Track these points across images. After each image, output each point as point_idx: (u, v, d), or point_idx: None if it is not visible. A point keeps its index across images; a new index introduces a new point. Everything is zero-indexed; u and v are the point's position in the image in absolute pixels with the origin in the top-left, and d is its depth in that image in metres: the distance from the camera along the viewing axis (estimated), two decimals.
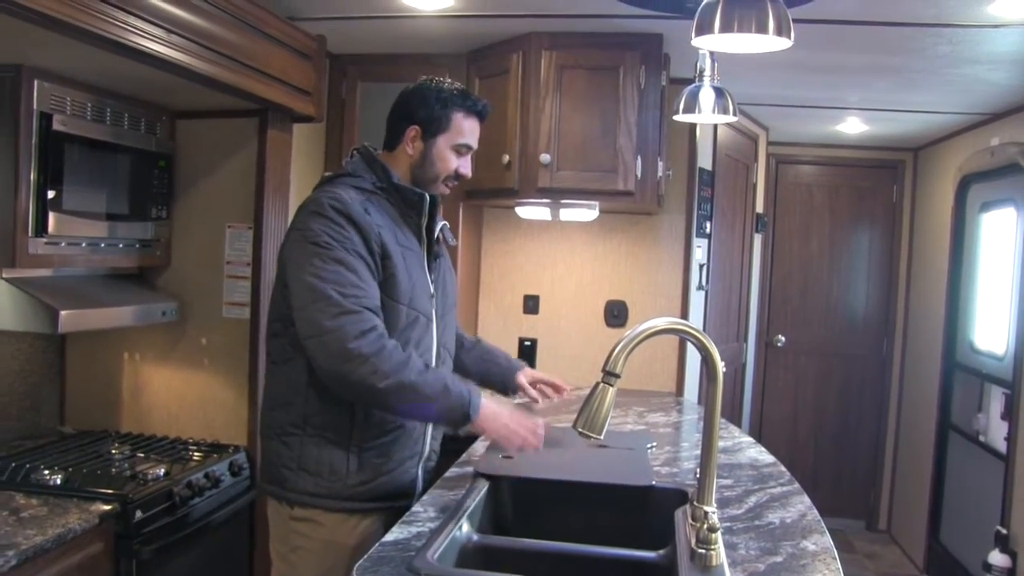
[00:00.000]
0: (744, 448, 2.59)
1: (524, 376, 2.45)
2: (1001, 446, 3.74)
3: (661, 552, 1.73)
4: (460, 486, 2.03)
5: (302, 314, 1.84)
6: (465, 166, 2.10)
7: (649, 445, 2.56)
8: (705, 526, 1.56)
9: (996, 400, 3.91)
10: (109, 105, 2.48)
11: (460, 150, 2.08)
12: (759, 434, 5.36)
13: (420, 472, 2.08)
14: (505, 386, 2.44)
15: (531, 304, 3.72)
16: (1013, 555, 3.50)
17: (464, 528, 1.77)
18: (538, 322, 3.72)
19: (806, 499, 2.06)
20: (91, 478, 2.28)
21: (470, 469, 2.18)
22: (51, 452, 2.51)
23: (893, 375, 5.27)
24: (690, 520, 1.72)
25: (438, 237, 2.13)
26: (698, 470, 1.84)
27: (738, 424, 4.66)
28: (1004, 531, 3.56)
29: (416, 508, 1.87)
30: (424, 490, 2.06)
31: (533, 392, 2.43)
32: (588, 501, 2.13)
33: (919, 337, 5.00)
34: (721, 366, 1.66)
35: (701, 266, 3.75)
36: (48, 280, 2.41)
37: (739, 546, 1.70)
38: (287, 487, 1.95)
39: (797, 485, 2.18)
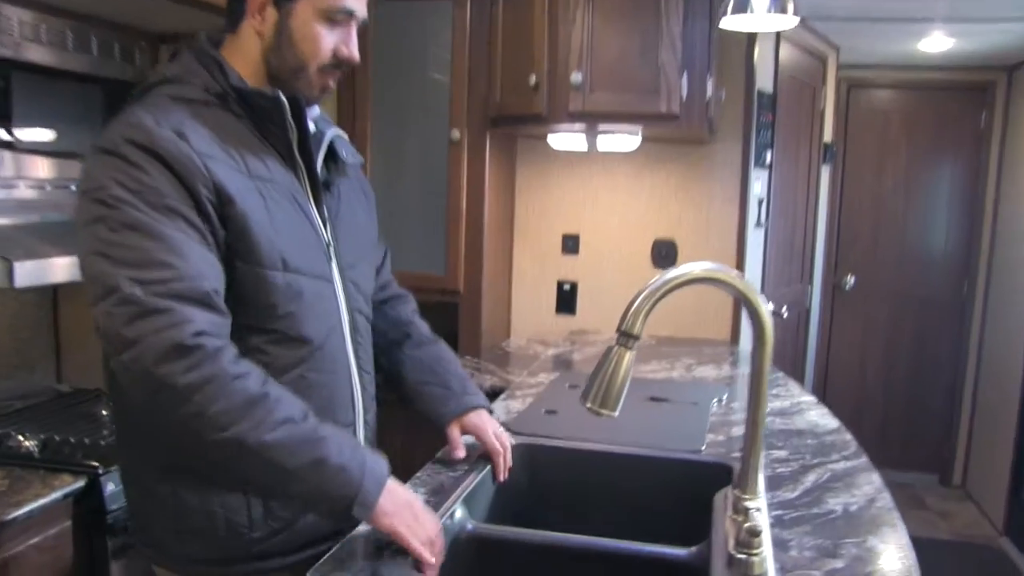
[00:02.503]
0: (804, 410, 2.24)
1: (472, 422, 1.69)
2: None
3: (693, 549, 1.42)
4: (466, 461, 1.73)
5: (94, 315, 1.20)
6: (348, 44, 1.40)
7: (717, 398, 2.26)
8: (746, 526, 1.25)
9: None
10: (72, 28, 2.18)
11: (335, 17, 1.37)
12: (824, 383, 4.99)
13: None
14: (439, 419, 1.69)
15: (570, 244, 3.38)
16: None
17: (457, 515, 1.48)
18: (578, 264, 3.39)
19: (876, 478, 1.72)
20: (66, 446, 2.03)
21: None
22: (38, 414, 2.30)
23: (974, 319, 4.82)
24: (731, 512, 1.40)
25: (332, 155, 1.51)
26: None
27: (801, 373, 4.30)
28: None
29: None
30: None
31: (460, 450, 1.70)
32: (619, 473, 1.82)
33: (1006, 279, 4.53)
34: (770, 326, 1.33)
35: (760, 201, 3.36)
36: (6, 229, 2.14)
37: (790, 544, 1.38)
38: (168, 553, 1.40)
39: (865, 458, 1.84)
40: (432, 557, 1.25)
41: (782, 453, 1.85)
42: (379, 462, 1.30)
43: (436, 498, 1.51)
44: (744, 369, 2.81)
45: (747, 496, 1.37)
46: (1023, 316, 4.14)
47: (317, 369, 1.40)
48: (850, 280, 4.96)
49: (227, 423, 1.17)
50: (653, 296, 1.29)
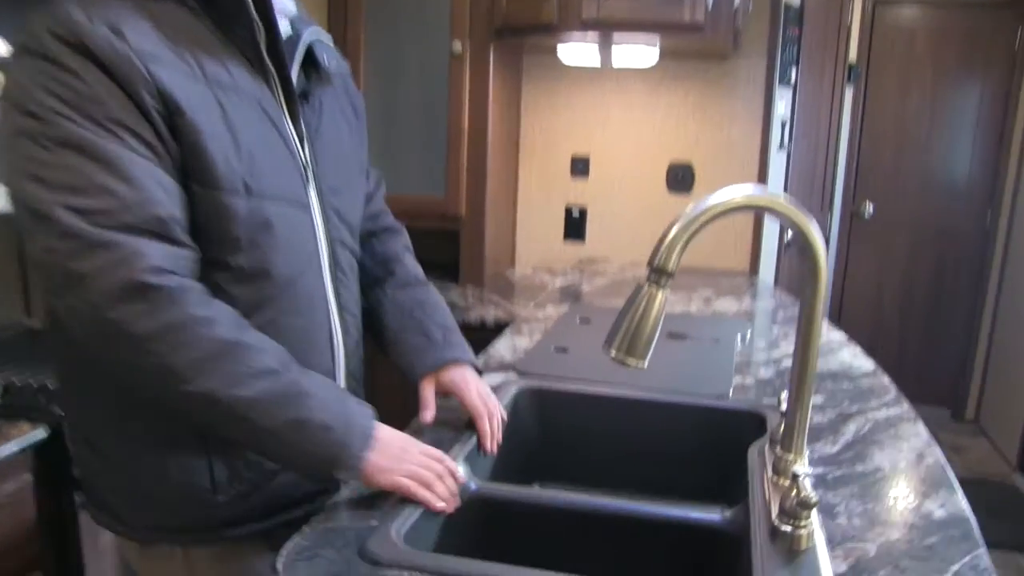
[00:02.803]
0: (835, 349, 2.07)
1: (450, 379, 1.43)
2: None
3: (728, 514, 1.26)
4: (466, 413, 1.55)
5: (29, 249, 1.02)
6: None
7: (740, 335, 2.10)
8: (795, 495, 1.07)
9: None
10: None
11: None
12: (839, 315, 4.83)
13: None
14: (412, 373, 1.44)
15: (580, 167, 3.17)
16: None
17: (457, 475, 1.31)
18: (588, 188, 3.19)
19: (921, 429, 1.55)
20: (28, 391, 1.80)
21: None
22: (1, 354, 2.09)
23: (996, 251, 4.63)
24: (770, 471, 1.23)
25: (312, 62, 1.28)
26: (783, 398, 1.35)
27: None
28: None
29: None
30: None
31: (429, 411, 1.42)
32: (637, 421, 1.65)
33: None
34: (825, 262, 1.14)
35: (783, 123, 3.14)
36: None
37: (837, 509, 1.21)
38: (123, 520, 1.23)
39: (907, 406, 1.68)
40: (443, 502, 1.18)
41: (817, 399, 1.68)
42: (365, 415, 1.15)
43: None
44: (765, 303, 2.63)
45: (791, 456, 1.20)
46: None
47: (289, 311, 1.19)
48: (869, 208, 4.75)
49: (193, 376, 1.01)
50: (690, 227, 1.09)
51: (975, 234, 4.69)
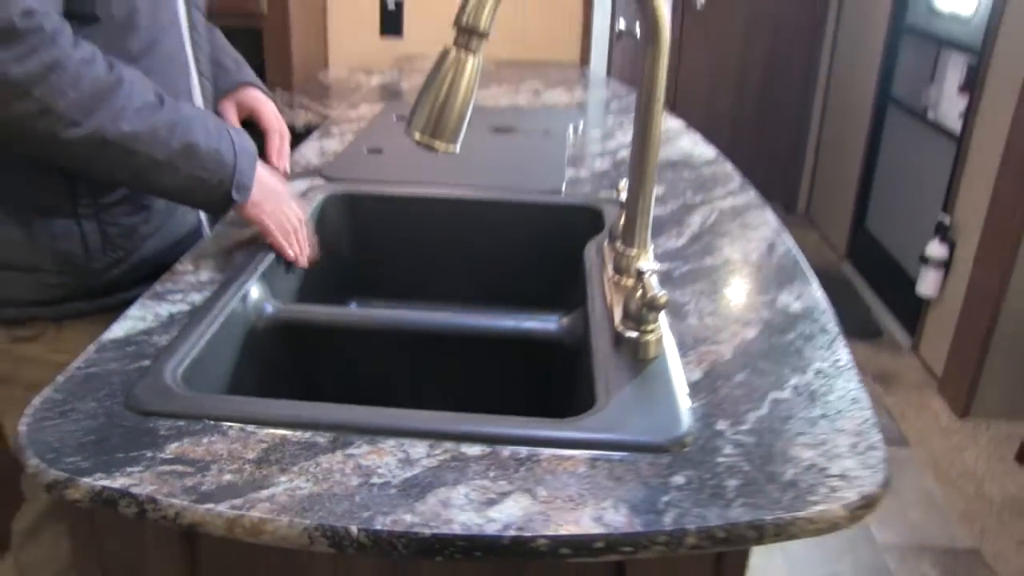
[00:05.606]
0: (673, 137, 1.92)
1: (248, 99, 1.45)
2: (954, 124, 3.17)
3: (564, 322, 1.09)
4: None
5: None
6: None
7: (572, 126, 1.91)
8: (640, 295, 0.91)
9: (954, 69, 3.28)
10: None
11: None
12: (672, 108, 4.73)
13: (203, 215, 1.34)
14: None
15: None
16: (952, 245, 3.06)
17: (253, 295, 1.08)
18: None
19: (770, 216, 1.43)
20: None
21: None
22: None
23: (825, 42, 4.58)
24: (611, 271, 1.07)
25: None
26: (622, 187, 1.18)
27: None
28: (947, 220, 3.09)
29: (178, 266, 1.15)
30: None
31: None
32: (462, 225, 1.46)
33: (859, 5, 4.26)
34: (667, 21, 0.93)
35: None
36: None
37: (687, 308, 1.07)
38: None
39: (754, 193, 1.55)
40: (292, 251, 1.20)
41: (658, 189, 1.52)
42: (248, 139, 1.15)
43: (224, 275, 1.10)
44: (598, 93, 2.45)
45: (635, 252, 1.03)
46: (878, 37, 3.91)
47: (151, 71, 1.09)
48: None
49: (81, 117, 0.95)
50: None
51: (807, 24, 4.61)
